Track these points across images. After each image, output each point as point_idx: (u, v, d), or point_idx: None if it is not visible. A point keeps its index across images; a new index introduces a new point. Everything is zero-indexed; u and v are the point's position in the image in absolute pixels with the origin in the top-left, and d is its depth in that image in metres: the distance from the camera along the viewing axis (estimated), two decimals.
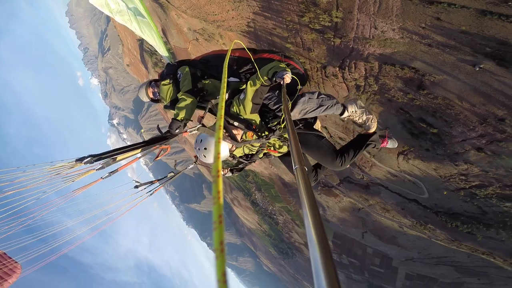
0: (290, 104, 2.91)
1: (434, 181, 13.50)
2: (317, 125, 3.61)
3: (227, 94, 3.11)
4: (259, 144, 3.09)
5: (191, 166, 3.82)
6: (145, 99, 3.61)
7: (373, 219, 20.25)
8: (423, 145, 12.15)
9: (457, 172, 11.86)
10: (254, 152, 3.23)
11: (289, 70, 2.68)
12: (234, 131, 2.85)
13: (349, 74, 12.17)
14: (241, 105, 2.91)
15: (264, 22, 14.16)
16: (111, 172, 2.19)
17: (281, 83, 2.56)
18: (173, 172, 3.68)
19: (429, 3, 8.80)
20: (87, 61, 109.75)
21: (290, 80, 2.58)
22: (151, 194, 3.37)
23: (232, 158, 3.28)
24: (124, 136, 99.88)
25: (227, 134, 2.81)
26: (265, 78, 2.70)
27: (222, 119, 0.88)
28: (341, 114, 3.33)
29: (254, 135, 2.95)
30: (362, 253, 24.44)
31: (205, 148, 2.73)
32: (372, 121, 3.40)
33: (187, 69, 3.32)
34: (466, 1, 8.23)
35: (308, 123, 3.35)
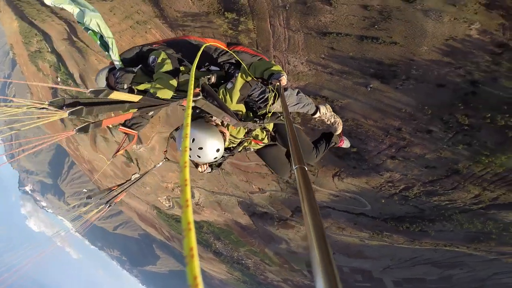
0: (273, 97, 2.93)
1: (369, 193, 14.36)
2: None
3: (214, 79, 3.02)
4: (241, 135, 3.07)
5: (160, 164, 3.61)
6: (103, 86, 3.27)
7: (335, 239, 20.60)
8: (349, 164, 13.00)
9: (384, 180, 12.86)
10: (235, 145, 3.20)
11: (284, 72, 2.69)
12: (225, 131, 2.80)
13: (309, 115, 12.83)
14: (228, 95, 2.87)
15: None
16: (92, 123, 1.72)
17: (278, 84, 2.58)
18: (137, 173, 3.42)
19: (323, 35, 10.15)
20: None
21: (286, 82, 2.61)
22: (110, 205, 3.05)
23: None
24: (43, 203, 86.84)
25: (216, 123, 2.73)
26: (259, 77, 2.74)
27: (188, 127, 0.84)
28: (314, 114, 3.59)
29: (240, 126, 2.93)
30: (341, 274, 24.45)
31: (200, 148, 2.55)
32: (339, 124, 3.74)
33: (163, 54, 3.10)
34: (348, 29, 9.58)
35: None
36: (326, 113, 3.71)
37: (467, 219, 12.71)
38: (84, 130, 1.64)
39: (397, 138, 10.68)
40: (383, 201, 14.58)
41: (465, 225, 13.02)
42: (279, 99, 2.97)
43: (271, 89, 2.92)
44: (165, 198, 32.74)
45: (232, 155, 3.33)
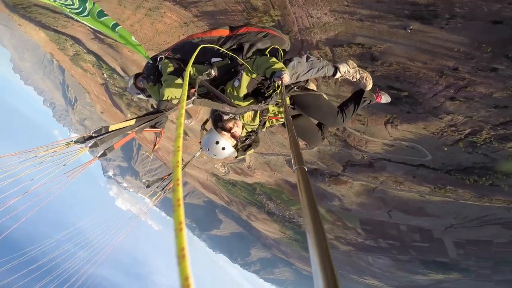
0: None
1: (429, 140, 13.82)
2: (312, 86, 3.77)
3: (214, 72, 3.21)
4: (257, 121, 3.26)
5: (198, 154, 3.92)
6: (134, 91, 3.93)
7: (391, 195, 20.46)
8: (403, 109, 12.62)
9: (445, 124, 12.26)
10: (255, 128, 3.37)
11: (286, 70, 2.83)
12: (235, 128, 3.03)
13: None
14: (235, 92, 3.06)
15: None
16: (106, 150, 2.17)
17: (279, 83, 2.68)
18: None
19: None
20: (59, 117, 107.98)
21: (288, 80, 2.74)
22: (164, 192, 3.54)
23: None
24: (125, 184, 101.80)
25: (229, 135, 2.98)
26: (262, 74, 2.92)
27: (182, 127, 0.90)
28: (334, 74, 3.54)
29: (251, 113, 3.15)
30: (398, 232, 24.52)
31: (214, 155, 2.99)
32: (367, 78, 3.64)
33: (165, 60, 3.52)
34: None
35: (302, 86, 3.52)
36: (348, 71, 3.61)
37: None
38: (103, 155, 2.12)
39: (454, 78, 9.97)
40: (445, 149, 13.90)
41: None
42: (289, 70, 3.05)
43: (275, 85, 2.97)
44: (221, 164, 35.97)
45: (257, 134, 3.44)
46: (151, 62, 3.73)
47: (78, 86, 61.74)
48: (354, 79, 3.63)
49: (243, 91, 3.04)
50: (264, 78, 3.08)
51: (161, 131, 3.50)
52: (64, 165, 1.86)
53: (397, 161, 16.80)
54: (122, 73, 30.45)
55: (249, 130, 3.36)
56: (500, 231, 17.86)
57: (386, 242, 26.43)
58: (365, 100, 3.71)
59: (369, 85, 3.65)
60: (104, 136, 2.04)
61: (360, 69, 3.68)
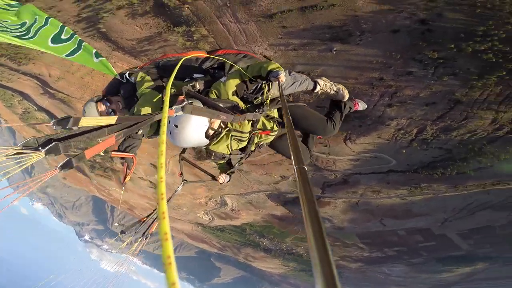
0: (267, 86, 3.04)
1: (387, 146, 15.37)
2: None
3: (199, 85, 3.16)
4: (248, 128, 3.11)
5: (180, 188, 3.70)
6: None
7: (375, 205, 21.55)
8: (354, 124, 14.24)
9: (394, 130, 13.89)
10: (245, 143, 3.26)
11: (282, 69, 2.93)
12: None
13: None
14: (222, 88, 2.99)
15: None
16: (74, 158, 1.50)
17: (276, 82, 2.75)
18: (108, 226, 3.90)
19: (270, 17, 11.56)
20: (16, 186, 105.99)
21: (285, 79, 2.81)
22: (146, 237, 3.35)
23: (222, 159, 3.39)
24: (105, 247, 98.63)
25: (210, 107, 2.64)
26: (256, 74, 2.97)
27: (164, 145, 0.85)
28: (314, 89, 3.77)
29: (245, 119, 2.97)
30: (398, 238, 25.33)
31: (175, 126, 2.57)
32: (343, 89, 3.93)
33: (141, 74, 3.37)
34: (287, 5, 10.95)
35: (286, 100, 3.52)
36: (326, 84, 3.89)
37: (500, 148, 13.11)
38: (67, 165, 1.47)
39: (384, 87, 11.77)
40: (404, 151, 15.43)
41: (501, 156, 13.33)
42: (273, 86, 3.09)
43: (264, 83, 3.02)
44: (203, 213, 35.84)
45: (247, 156, 3.45)
46: (118, 78, 3.55)
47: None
48: (332, 92, 3.92)
49: (231, 87, 2.98)
50: (252, 91, 3.11)
51: (132, 158, 3.31)
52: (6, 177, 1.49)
53: (367, 172, 18.19)
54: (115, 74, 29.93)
55: (235, 146, 3.21)
56: (493, 214, 18.88)
57: (392, 250, 27.07)
58: (345, 107, 3.98)
59: (346, 95, 3.97)
60: (69, 139, 1.46)
61: (334, 82, 3.98)
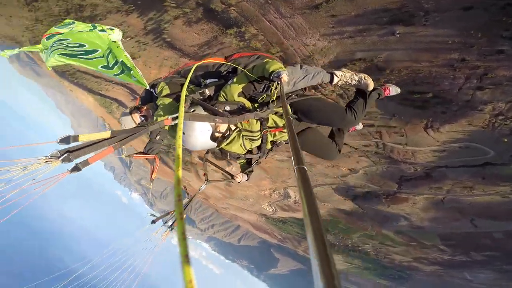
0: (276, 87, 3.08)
1: (482, 135, 13.02)
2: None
3: (208, 92, 3.37)
4: (257, 127, 3.24)
5: (204, 186, 4.09)
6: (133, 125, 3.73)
7: (467, 202, 18.93)
8: (436, 110, 12.38)
9: (490, 115, 11.79)
10: (258, 144, 3.38)
11: (285, 69, 2.96)
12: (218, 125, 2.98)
13: (325, 89, 13.97)
14: (229, 90, 3.14)
15: None
16: (80, 164, 2.01)
17: (279, 82, 2.78)
18: (187, 198, 4.16)
19: (316, 8, 10.93)
20: (120, 179, 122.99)
21: (287, 79, 2.85)
22: (172, 229, 3.65)
23: (237, 159, 3.56)
24: (190, 237, 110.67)
25: (210, 113, 2.87)
26: (260, 75, 3.05)
27: (180, 148, 0.88)
28: (331, 81, 3.69)
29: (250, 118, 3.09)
30: (493, 242, 22.20)
31: (183, 133, 2.84)
32: (366, 78, 3.70)
33: (162, 84, 3.66)
34: None
35: (300, 94, 3.63)
36: (345, 75, 3.71)
37: None
38: (75, 170, 1.95)
39: (469, 69, 10.01)
40: (505, 140, 12.93)
41: None
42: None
43: (273, 89, 3.06)
44: (267, 204, 36.91)
45: (266, 156, 3.56)
46: (147, 90, 3.88)
47: (130, 149, 69.33)
48: (354, 81, 3.72)
49: (237, 89, 3.11)
50: (260, 91, 3.20)
51: (154, 158, 3.63)
52: (33, 179, 1.88)
53: (456, 165, 15.82)
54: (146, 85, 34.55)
55: (249, 146, 3.33)
56: None
57: (481, 254, 23.98)
58: (372, 94, 3.70)
59: (371, 84, 3.69)
60: (76, 151, 1.94)
61: (355, 72, 3.75)
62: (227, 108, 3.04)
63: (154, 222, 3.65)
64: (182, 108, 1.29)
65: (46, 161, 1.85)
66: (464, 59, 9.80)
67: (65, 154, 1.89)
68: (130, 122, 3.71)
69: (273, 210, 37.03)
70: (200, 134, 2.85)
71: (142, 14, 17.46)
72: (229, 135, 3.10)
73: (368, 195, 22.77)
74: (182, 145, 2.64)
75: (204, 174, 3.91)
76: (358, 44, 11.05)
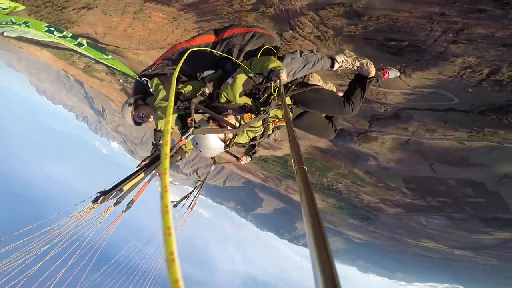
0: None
1: (450, 84, 14.47)
2: (315, 78, 4.03)
3: (208, 90, 3.43)
4: (260, 123, 3.38)
5: (212, 169, 4.44)
6: (131, 122, 3.98)
7: (428, 145, 20.88)
8: (409, 58, 13.51)
9: (459, 67, 12.97)
10: (261, 132, 3.56)
11: (284, 67, 2.98)
12: (225, 118, 3.07)
13: (303, 31, 14.56)
14: (230, 90, 3.17)
15: (209, 24, 17.46)
16: (129, 204, 2.64)
17: (277, 82, 2.82)
18: (199, 180, 4.38)
19: None
20: (95, 129, 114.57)
21: (286, 78, 2.89)
22: (191, 208, 3.98)
23: (242, 147, 3.73)
24: (170, 179, 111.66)
25: (215, 125, 3.01)
26: (258, 72, 3.12)
27: (167, 160, 0.85)
28: (332, 66, 3.68)
29: (252, 115, 3.20)
30: (447, 188, 24.90)
31: (197, 144, 3.01)
32: (368, 64, 3.75)
33: (155, 81, 3.65)
34: None
35: (300, 82, 3.74)
36: (346, 60, 3.72)
37: None
38: (127, 209, 2.64)
39: (447, 23, 10.66)
40: (470, 90, 14.37)
41: None
42: (284, 72, 3.08)
43: (273, 85, 3.05)
44: None
45: (267, 138, 3.77)
46: (139, 80, 3.98)
47: (101, 96, 68.17)
48: (355, 67, 3.76)
49: (238, 88, 3.16)
50: (260, 82, 3.26)
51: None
52: (100, 223, 2.37)
53: (423, 108, 17.44)
54: (134, 75, 33.61)
55: (252, 135, 3.54)
56: None
57: (436, 200, 26.93)
58: (371, 80, 3.84)
59: (372, 71, 3.77)
60: (121, 195, 2.62)
61: (358, 56, 3.80)
62: (230, 111, 3.13)
63: (176, 206, 3.93)
64: (170, 110, 1.27)
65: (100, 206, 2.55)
66: (444, 13, 10.45)
67: (104, 196, 2.66)
68: (130, 118, 3.98)
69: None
70: (215, 151, 3.07)
71: None
72: (235, 135, 3.26)
73: (341, 133, 24.38)
74: (200, 152, 3.11)
75: (211, 158, 4.03)
76: None
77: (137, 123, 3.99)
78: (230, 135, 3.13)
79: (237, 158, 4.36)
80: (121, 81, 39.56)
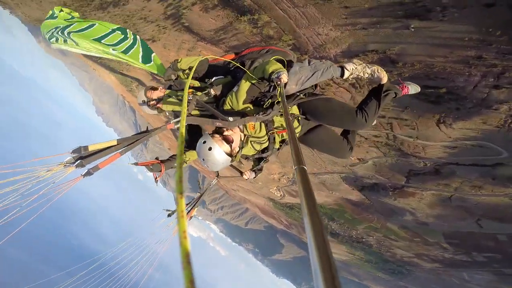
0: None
1: (496, 135, 13.46)
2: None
3: (214, 91, 3.51)
4: (263, 132, 3.33)
5: (214, 182, 4.46)
6: (144, 100, 4.12)
7: (473, 202, 19.49)
8: (449, 106, 12.82)
9: (505, 115, 12.18)
10: (267, 145, 3.49)
11: (284, 69, 3.01)
12: (228, 132, 3.08)
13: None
14: (234, 98, 3.22)
15: None
16: (91, 169, 2.41)
17: (278, 83, 2.84)
18: (199, 192, 4.37)
19: None
20: (136, 156, 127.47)
21: (287, 79, 2.90)
22: (190, 218, 4.01)
23: (246, 159, 3.67)
24: (194, 213, 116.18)
25: (221, 138, 3.00)
26: (260, 76, 3.14)
27: (181, 169, 0.90)
28: (342, 75, 3.60)
29: (253, 123, 3.18)
30: (496, 244, 22.89)
31: (203, 159, 2.98)
32: (379, 70, 3.60)
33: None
34: None
35: (309, 93, 3.65)
36: (356, 68, 3.61)
37: None
38: (87, 174, 2.37)
39: (485, 67, 10.27)
40: None
41: None
42: (290, 80, 3.23)
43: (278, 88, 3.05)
44: (275, 188, 38.23)
45: (274, 152, 3.65)
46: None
47: (148, 126, 72.40)
48: (366, 75, 3.63)
49: (242, 96, 3.19)
50: (267, 90, 3.28)
51: (159, 163, 3.78)
52: (53, 183, 2.21)
53: (467, 163, 16.31)
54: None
55: (258, 148, 3.47)
56: None
57: (482, 255, 24.88)
58: (387, 93, 3.64)
59: (384, 77, 3.63)
60: (88, 157, 2.37)
61: (368, 64, 3.68)
62: (231, 119, 3.08)
63: (170, 216, 3.96)
64: (183, 116, 1.29)
65: (64, 166, 2.29)
66: (481, 56, 10.12)
67: (79, 161, 2.32)
68: (146, 107, 4.24)
69: (281, 195, 38.46)
70: (222, 165, 3.05)
71: (162, 0, 19.28)
72: (241, 148, 3.21)
73: (375, 187, 23.47)
74: (207, 167, 3.10)
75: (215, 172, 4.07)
76: (371, 35, 11.54)
77: (151, 105, 4.12)
78: (237, 149, 3.10)
79: (241, 173, 4.20)
80: (167, 114, 42.33)
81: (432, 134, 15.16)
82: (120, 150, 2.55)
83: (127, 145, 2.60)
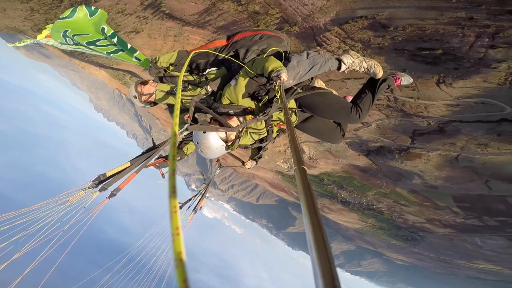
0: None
1: (497, 91, 13.50)
2: (319, 84, 4.08)
3: (210, 88, 3.50)
4: (263, 125, 3.44)
5: (217, 172, 4.59)
6: (134, 95, 4.05)
7: (481, 162, 19.56)
8: (447, 66, 12.93)
9: (505, 73, 12.15)
10: (265, 135, 3.60)
11: (284, 68, 3.01)
12: (228, 119, 3.14)
13: (330, 46, 14.65)
14: (233, 93, 3.26)
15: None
16: (113, 191, 2.77)
17: (278, 82, 2.85)
18: (204, 183, 4.55)
19: None
20: (142, 145, 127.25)
21: (286, 79, 2.92)
22: (195, 212, 4.19)
23: (245, 149, 3.76)
24: (207, 194, 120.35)
25: (216, 124, 3.04)
26: (259, 73, 3.16)
27: (175, 148, 0.91)
28: (339, 68, 3.69)
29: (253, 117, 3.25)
30: (506, 207, 23.09)
31: (197, 143, 3.04)
32: (376, 66, 3.71)
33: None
34: None
35: (307, 86, 3.74)
36: (353, 61, 3.73)
37: None
38: (111, 196, 2.73)
39: (478, 27, 10.33)
40: None
41: None
42: (287, 74, 3.18)
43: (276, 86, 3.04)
44: (282, 161, 38.75)
45: (271, 141, 3.78)
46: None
47: (148, 115, 74.32)
48: (362, 69, 3.75)
49: (241, 90, 3.23)
50: (264, 83, 3.30)
51: (165, 160, 3.89)
52: (84, 207, 2.51)
53: (471, 120, 16.34)
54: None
55: (257, 138, 3.61)
56: None
57: (494, 219, 25.03)
58: (381, 86, 3.76)
59: (380, 72, 3.75)
60: (108, 181, 2.76)
61: (365, 57, 3.79)
62: (231, 112, 3.20)
63: (181, 207, 4.11)
64: (176, 120, 1.27)
65: (87, 191, 2.66)
66: (472, 17, 10.13)
67: (101, 185, 2.70)
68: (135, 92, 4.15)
69: (288, 167, 38.90)
70: (216, 151, 3.07)
71: None
72: (239, 137, 3.26)
73: (381, 150, 23.55)
74: (200, 152, 3.14)
75: (216, 161, 4.27)
76: (358, 1, 11.57)
77: (144, 101, 4.13)
78: (233, 136, 3.14)
79: (242, 162, 4.32)
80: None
81: (433, 93, 15.27)
82: (135, 170, 2.99)
83: (139, 164, 3.06)
